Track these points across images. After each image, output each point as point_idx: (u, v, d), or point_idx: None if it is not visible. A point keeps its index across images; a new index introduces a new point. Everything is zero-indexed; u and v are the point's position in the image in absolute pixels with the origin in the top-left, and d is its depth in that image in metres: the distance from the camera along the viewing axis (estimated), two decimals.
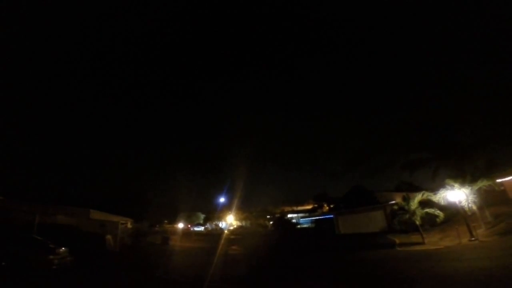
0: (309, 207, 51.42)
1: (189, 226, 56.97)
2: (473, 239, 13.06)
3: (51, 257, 10.48)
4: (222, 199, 46.96)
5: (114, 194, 37.68)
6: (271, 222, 48.39)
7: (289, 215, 50.47)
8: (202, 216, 65.24)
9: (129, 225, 28.76)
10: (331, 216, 32.60)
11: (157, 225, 48.62)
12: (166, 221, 55.28)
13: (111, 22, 68.35)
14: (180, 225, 48.99)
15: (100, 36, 74.57)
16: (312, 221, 41.31)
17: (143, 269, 13.11)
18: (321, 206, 47.47)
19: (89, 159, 72.54)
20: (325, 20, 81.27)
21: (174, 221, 52.52)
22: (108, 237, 19.21)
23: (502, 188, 17.95)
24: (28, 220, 15.89)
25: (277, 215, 50.63)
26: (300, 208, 53.37)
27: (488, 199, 16.33)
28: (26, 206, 17.52)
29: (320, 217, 38.55)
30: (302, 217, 47.76)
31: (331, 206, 42.36)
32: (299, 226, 42.37)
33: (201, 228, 57.94)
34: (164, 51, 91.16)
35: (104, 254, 16.61)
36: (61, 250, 11.08)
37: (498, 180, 17.19)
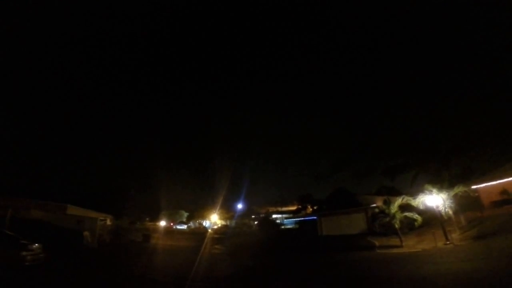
0: (293, 208, 51.91)
1: (172, 224, 55.94)
2: (448, 242, 13.59)
3: (24, 253, 10.05)
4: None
5: (94, 190, 36.42)
6: (255, 222, 48.46)
7: (274, 216, 50.73)
8: (185, 214, 64.28)
9: (108, 222, 27.94)
10: (315, 217, 33.02)
11: (138, 222, 47.47)
12: (147, 219, 54.02)
13: (100, 17, 65.98)
14: (162, 223, 48.06)
15: (89, 32, 71.85)
16: (296, 222, 41.75)
17: (122, 267, 12.73)
18: (305, 208, 48.03)
19: (68, 152, 69.66)
20: (313, 25, 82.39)
21: (156, 218, 51.45)
22: (86, 233, 18.56)
23: (477, 194, 18.85)
24: None
25: (262, 215, 50.75)
26: (284, 209, 53.78)
27: (463, 204, 17.07)
28: None
29: (304, 219, 39.01)
30: (286, 218, 48.15)
31: (315, 207, 42.95)
32: (283, 227, 42.70)
33: (184, 227, 57.05)
34: (151, 47, 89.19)
35: (81, 251, 16.02)
36: (34, 246, 10.64)
37: (473, 187, 18.05)
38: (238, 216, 50.61)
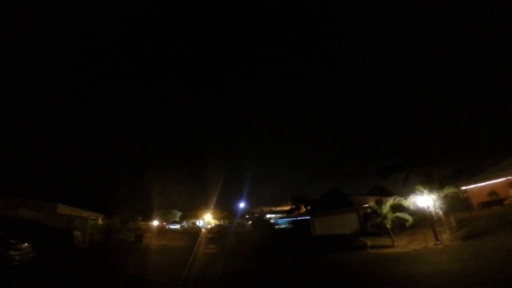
0: (287, 208, 52.00)
1: (165, 223, 55.41)
2: (438, 243, 13.82)
3: (12, 253, 9.90)
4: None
5: (85, 188, 35.82)
6: (249, 222, 48.45)
7: (268, 215, 50.81)
8: (178, 213, 63.77)
9: (100, 221, 27.56)
10: (308, 217, 33.23)
11: (130, 222, 46.86)
12: (140, 218, 53.40)
13: (97, 14, 64.89)
14: (155, 223, 47.59)
15: (85, 28, 70.49)
16: (289, 222, 41.94)
17: (113, 267, 12.56)
18: (298, 208, 48.16)
19: (59, 150, 68.32)
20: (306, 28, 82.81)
21: (148, 218, 50.93)
22: (77, 233, 18.26)
23: (466, 195, 19.31)
24: None
25: (256, 215, 50.75)
26: (278, 208, 53.89)
27: (453, 205, 17.41)
28: None
29: (297, 218, 39.21)
30: (280, 218, 48.31)
31: (308, 207, 43.14)
32: (277, 227, 42.84)
33: (177, 226, 56.59)
34: (145, 46, 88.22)
35: (72, 251, 15.75)
36: (23, 245, 10.46)
37: (463, 188, 18.49)
38: (240, 216, 50.38)
